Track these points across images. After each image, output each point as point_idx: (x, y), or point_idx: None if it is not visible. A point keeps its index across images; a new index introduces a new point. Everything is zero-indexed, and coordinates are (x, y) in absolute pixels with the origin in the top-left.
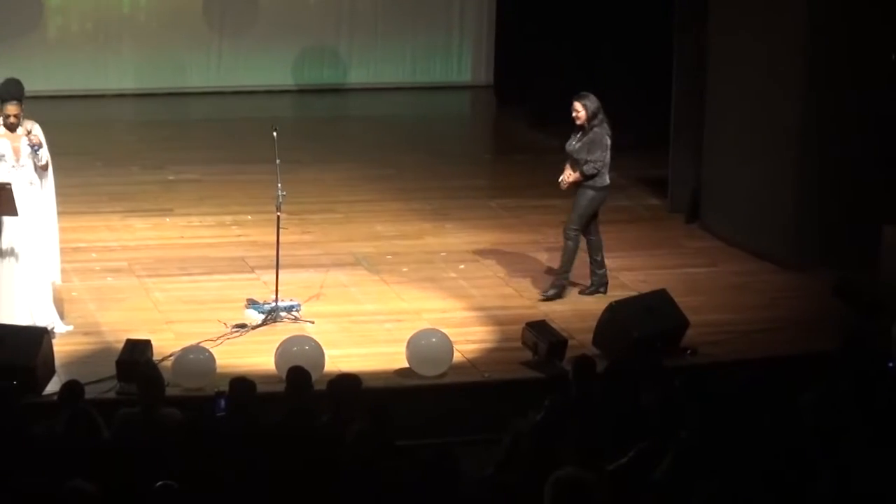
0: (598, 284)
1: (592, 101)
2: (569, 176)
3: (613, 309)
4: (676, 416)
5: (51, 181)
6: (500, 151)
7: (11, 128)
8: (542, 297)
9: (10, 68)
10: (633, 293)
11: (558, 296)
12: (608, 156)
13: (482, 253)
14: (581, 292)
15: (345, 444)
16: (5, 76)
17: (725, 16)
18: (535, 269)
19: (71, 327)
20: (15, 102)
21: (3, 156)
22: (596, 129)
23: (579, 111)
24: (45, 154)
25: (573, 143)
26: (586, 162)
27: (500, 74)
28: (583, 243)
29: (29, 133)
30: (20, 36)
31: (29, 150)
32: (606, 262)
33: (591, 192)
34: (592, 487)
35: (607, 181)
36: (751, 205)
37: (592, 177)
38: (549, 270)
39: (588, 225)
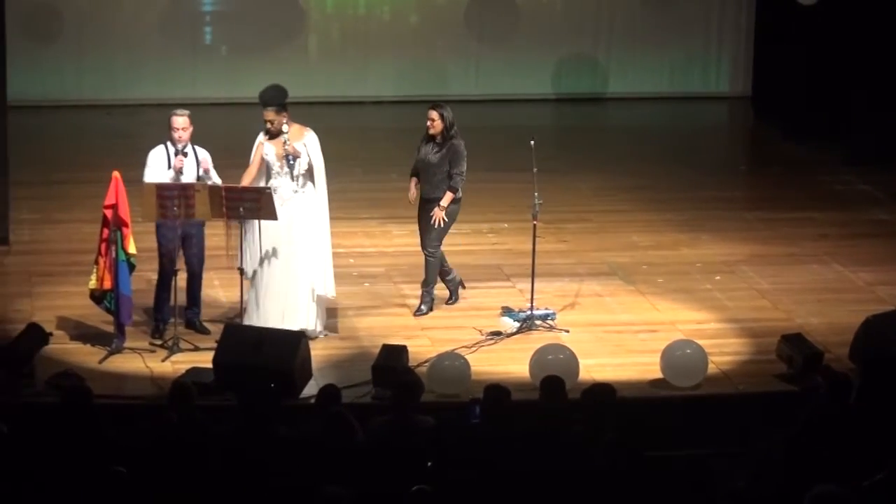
0: (455, 290)
1: (449, 112)
2: (440, 210)
3: (870, 323)
4: None
5: (322, 189)
6: (756, 163)
7: (273, 134)
8: (416, 314)
9: (274, 75)
10: (890, 308)
11: (430, 309)
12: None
13: (737, 264)
14: (447, 303)
15: (597, 453)
16: (269, 83)
17: None
18: (790, 281)
19: (326, 332)
20: (271, 109)
21: (271, 161)
22: (454, 141)
23: (435, 119)
24: (303, 164)
25: (430, 156)
26: (452, 176)
27: (758, 86)
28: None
29: (285, 143)
30: (283, 43)
31: (285, 158)
32: (863, 275)
33: (450, 207)
34: None
35: (461, 193)
36: None
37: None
38: (802, 284)
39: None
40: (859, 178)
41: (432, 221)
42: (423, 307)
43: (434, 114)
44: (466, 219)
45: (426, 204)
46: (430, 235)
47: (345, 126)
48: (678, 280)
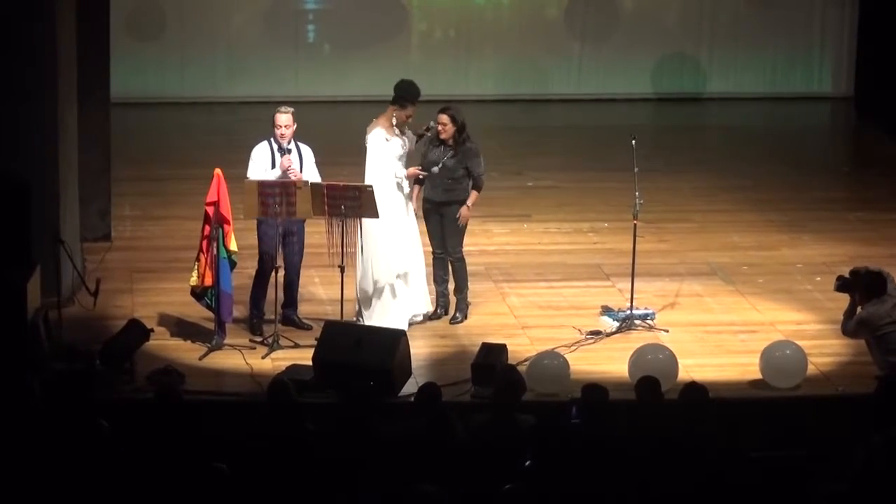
0: (445, 305)
1: (460, 114)
2: (468, 210)
3: None
4: None
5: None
6: (858, 164)
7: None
8: (452, 322)
9: (376, 73)
10: None
11: (465, 317)
12: None
13: (839, 265)
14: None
15: (696, 453)
16: (370, 79)
17: None
18: None
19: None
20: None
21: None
22: (469, 144)
23: (446, 123)
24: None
25: (445, 160)
26: (475, 177)
27: (862, 86)
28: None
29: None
30: (385, 42)
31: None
32: None
33: (464, 208)
34: None
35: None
36: None
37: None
38: None
39: None
40: None
41: (460, 222)
42: (458, 315)
43: (444, 117)
44: (567, 218)
45: (438, 207)
46: (454, 240)
47: None
48: (779, 281)
